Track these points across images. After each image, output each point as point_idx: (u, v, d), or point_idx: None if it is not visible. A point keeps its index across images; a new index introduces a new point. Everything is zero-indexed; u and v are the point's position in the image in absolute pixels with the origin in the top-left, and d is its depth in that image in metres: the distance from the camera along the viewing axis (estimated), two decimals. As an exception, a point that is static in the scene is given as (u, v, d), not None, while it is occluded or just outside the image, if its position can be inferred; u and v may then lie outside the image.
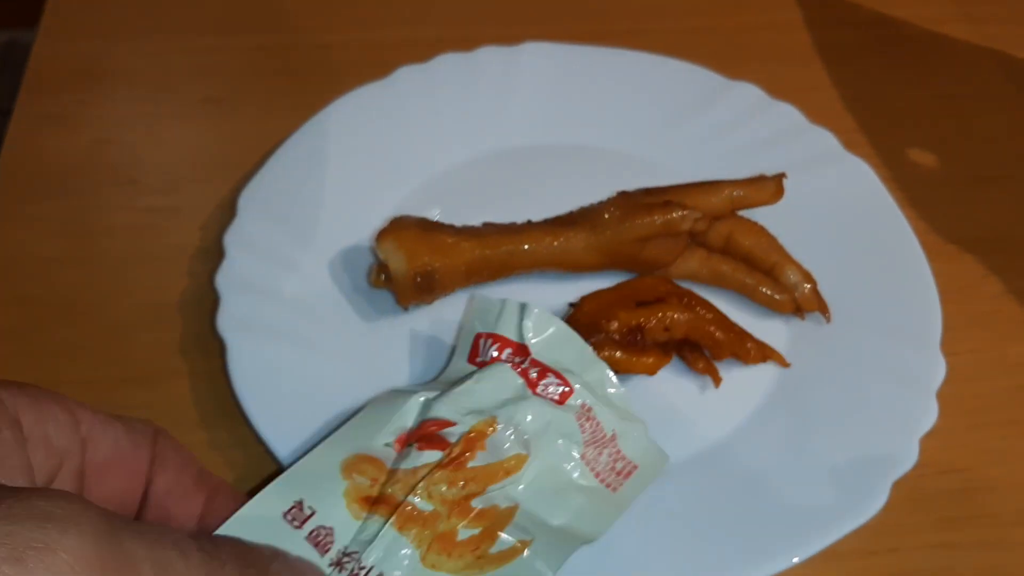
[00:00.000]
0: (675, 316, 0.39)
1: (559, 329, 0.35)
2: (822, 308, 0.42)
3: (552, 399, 0.33)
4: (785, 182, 0.43)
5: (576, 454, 0.33)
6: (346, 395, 0.38)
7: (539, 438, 0.32)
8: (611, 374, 0.35)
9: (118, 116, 0.53)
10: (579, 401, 0.33)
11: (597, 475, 0.33)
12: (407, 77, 0.50)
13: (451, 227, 0.42)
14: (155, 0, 0.59)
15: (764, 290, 0.42)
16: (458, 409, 0.31)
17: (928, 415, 0.38)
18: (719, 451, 0.38)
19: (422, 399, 0.32)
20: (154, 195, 0.49)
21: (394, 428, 0.31)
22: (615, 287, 0.41)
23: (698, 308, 0.40)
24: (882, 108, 0.54)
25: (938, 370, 0.39)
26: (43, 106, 0.53)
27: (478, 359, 0.35)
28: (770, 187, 0.42)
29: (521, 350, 0.35)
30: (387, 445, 0.31)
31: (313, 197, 0.45)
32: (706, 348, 0.40)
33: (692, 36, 0.58)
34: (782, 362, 0.40)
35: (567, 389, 0.34)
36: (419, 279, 0.40)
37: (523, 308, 0.35)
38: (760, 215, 0.44)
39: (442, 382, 0.34)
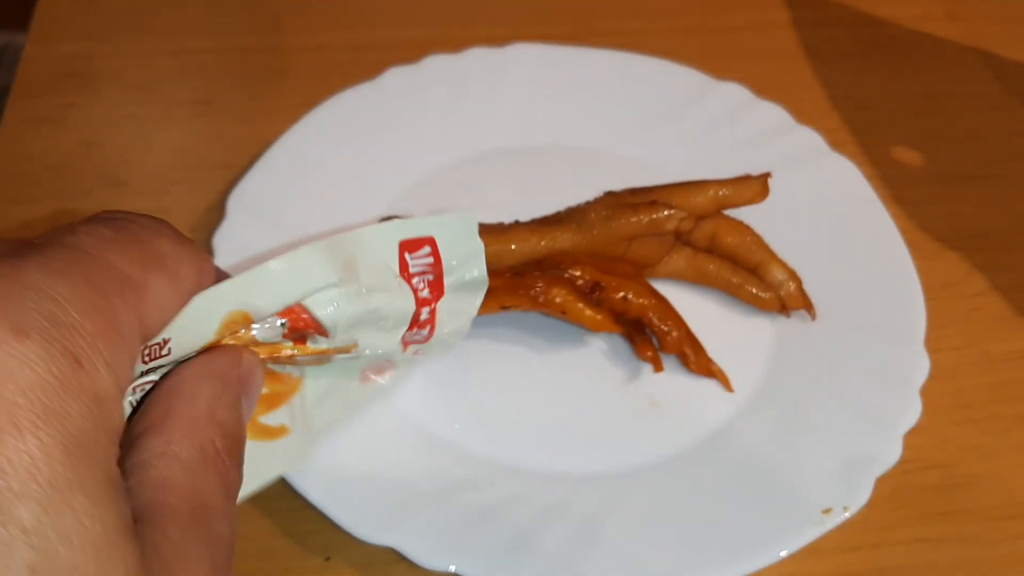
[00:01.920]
0: (636, 295, 0.40)
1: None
2: (807, 306, 0.42)
3: (417, 340, 0.31)
4: (770, 181, 0.44)
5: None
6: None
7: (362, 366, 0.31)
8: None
9: (107, 118, 0.53)
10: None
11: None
12: (395, 78, 0.51)
13: (438, 227, 0.42)
14: (144, 2, 0.59)
15: (749, 288, 0.42)
16: (347, 322, 0.28)
17: (911, 412, 0.38)
18: (703, 448, 0.39)
19: (334, 293, 0.27)
20: (143, 197, 0.49)
21: (287, 300, 0.27)
22: (595, 255, 0.42)
23: (662, 303, 0.41)
24: (867, 107, 0.55)
25: (922, 367, 0.40)
26: (32, 109, 0.53)
27: (409, 272, 0.30)
28: (755, 186, 0.43)
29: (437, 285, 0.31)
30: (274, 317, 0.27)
31: (302, 198, 0.46)
32: (656, 336, 0.41)
33: (679, 36, 0.58)
34: (727, 385, 0.41)
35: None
36: (407, 279, 0.40)
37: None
38: (746, 214, 0.44)
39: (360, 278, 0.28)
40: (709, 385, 0.41)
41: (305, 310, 0.27)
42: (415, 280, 0.30)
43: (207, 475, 0.23)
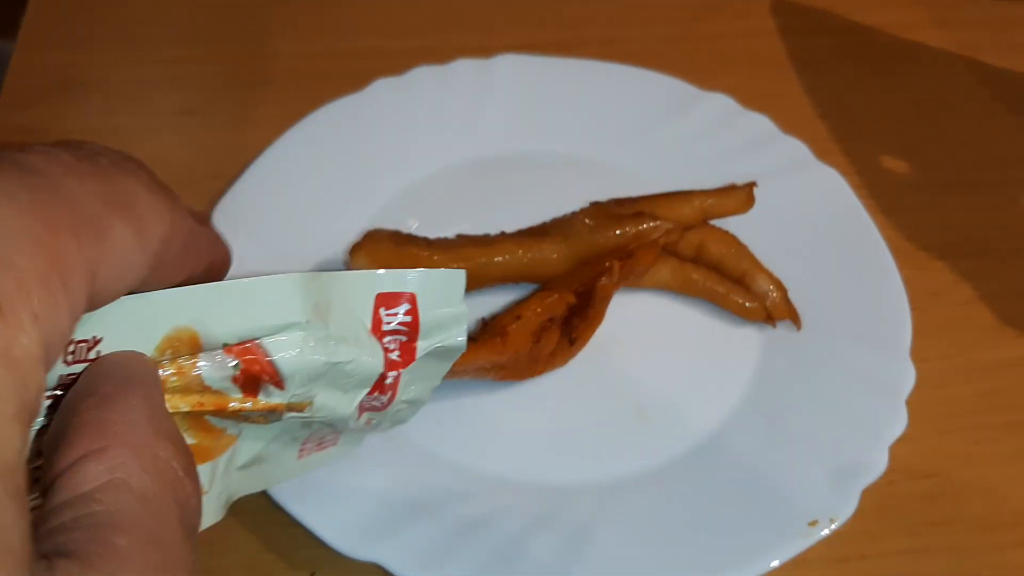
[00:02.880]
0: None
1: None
2: (792, 316, 0.42)
3: (375, 407, 0.29)
4: (756, 191, 0.44)
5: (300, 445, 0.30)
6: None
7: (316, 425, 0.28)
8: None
9: (94, 128, 0.53)
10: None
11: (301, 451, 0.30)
12: (383, 89, 0.51)
13: (424, 240, 0.42)
14: (131, 12, 0.59)
15: (735, 298, 0.42)
16: (307, 374, 0.25)
17: (898, 422, 0.38)
18: (689, 458, 0.39)
19: (298, 336, 0.24)
20: (129, 208, 0.49)
21: (244, 331, 0.24)
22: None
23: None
24: (854, 116, 0.55)
25: (908, 377, 0.40)
26: (19, 119, 0.53)
27: (382, 329, 0.27)
28: (741, 196, 0.43)
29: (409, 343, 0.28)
30: (225, 345, 0.24)
31: (288, 210, 0.46)
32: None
33: (665, 45, 0.58)
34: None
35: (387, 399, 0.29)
36: (393, 291, 0.40)
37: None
38: (732, 224, 0.44)
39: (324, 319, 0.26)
40: (696, 395, 0.41)
41: (263, 351, 0.24)
42: (387, 340, 0.27)
43: (165, 504, 0.19)
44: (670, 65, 0.53)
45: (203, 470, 0.25)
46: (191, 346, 0.23)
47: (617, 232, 0.41)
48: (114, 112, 0.54)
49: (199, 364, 0.23)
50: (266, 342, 0.24)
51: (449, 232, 0.43)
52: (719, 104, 0.50)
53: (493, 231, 0.43)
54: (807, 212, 0.46)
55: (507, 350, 0.38)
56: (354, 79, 0.51)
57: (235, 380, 0.24)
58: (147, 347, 0.23)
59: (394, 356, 0.27)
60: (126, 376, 0.20)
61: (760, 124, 0.49)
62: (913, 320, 0.42)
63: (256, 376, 0.24)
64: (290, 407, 0.25)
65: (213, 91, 0.55)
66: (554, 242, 0.42)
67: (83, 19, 0.59)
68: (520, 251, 0.42)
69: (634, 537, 0.36)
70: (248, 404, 0.24)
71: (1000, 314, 0.46)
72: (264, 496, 0.35)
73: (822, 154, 0.49)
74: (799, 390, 0.40)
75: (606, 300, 0.40)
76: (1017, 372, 0.44)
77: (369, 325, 0.26)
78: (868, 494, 0.36)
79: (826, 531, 0.35)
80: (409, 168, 0.49)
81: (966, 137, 0.54)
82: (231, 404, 0.24)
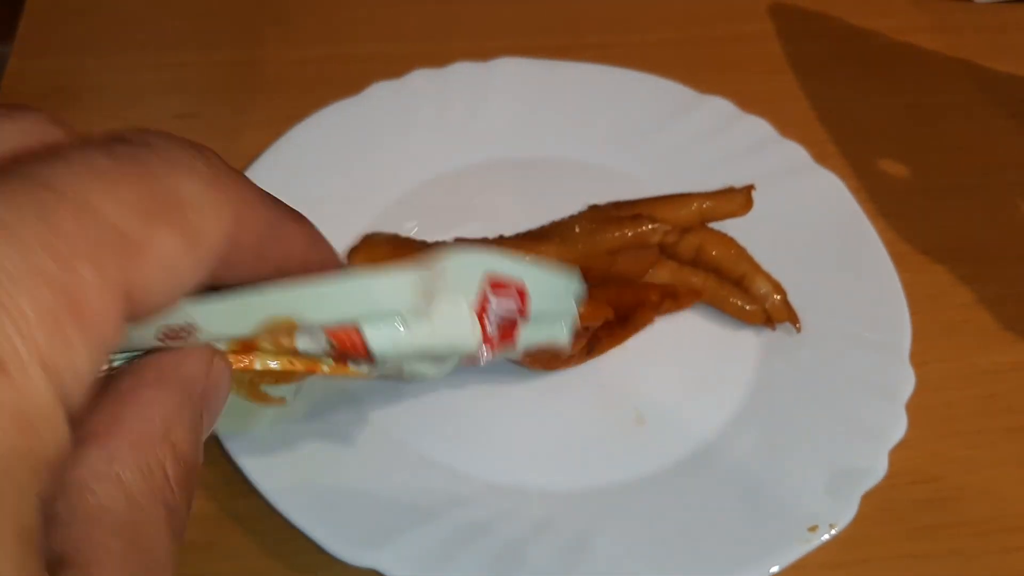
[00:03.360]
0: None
1: None
2: (792, 318, 0.42)
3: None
4: (755, 194, 0.43)
5: None
6: (317, 415, 0.38)
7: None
8: None
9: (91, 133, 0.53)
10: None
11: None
12: (380, 93, 0.50)
13: (423, 244, 0.42)
14: (128, 16, 0.59)
15: (734, 301, 0.42)
16: (400, 357, 0.25)
17: (897, 426, 0.38)
18: (688, 464, 0.39)
19: (398, 326, 0.25)
20: (127, 213, 0.48)
21: (345, 317, 0.24)
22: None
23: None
24: (853, 119, 0.55)
25: (907, 381, 0.40)
26: (16, 124, 0.53)
27: (486, 312, 0.27)
28: (739, 199, 0.43)
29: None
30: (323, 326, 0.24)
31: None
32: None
33: (663, 49, 0.58)
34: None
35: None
36: (391, 295, 0.40)
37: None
38: (731, 228, 0.44)
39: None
40: (695, 400, 0.41)
41: (360, 335, 0.24)
42: (488, 320, 0.26)
43: (152, 508, 0.18)
44: (669, 69, 0.53)
45: (288, 388, 0.28)
46: (288, 330, 0.23)
47: (615, 234, 0.41)
48: (111, 116, 0.53)
49: (296, 339, 0.24)
50: (364, 327, 0.24)
51: (447, 236, 0.43)
52: (718, 108, 0.50)
53: (491, 235, 0.43)
54: (806, 216, 0.46)
55: None
56: (352, 84, 0.51)
57: (328, 354, 0.25)
58: (241, 331, 0.23)
59: (491, 332, 0.27)
60: (164, 376, 0.20)
61: (759, 128, 0.49)
62: (912, 324, 0.42)
63: (348, 352, 0.24)
64: (379, 376, 0.26)
65: (210, 96, 0.55)
66: (552, 245, 0.42)
67: (80, 24, 0.58)
68: (518, 253, 0.41)
69: (633, 543, 0.36)
70: (336, 372, 0.25)
71: (999, 318, 0.45)
72: (263, 502, 0.35)
73: (821, 158, 0.49)
74: (798, 394, 0.40)
75: (639, 330, 0.41)
76: (1017, 376, 0.44)
77: (474, 302, 0.26)
78: (868, 499, 0.36)
79: (826, 536, 0.35)
80: (407, 171, 0.49)
81: (965, 141, 0.54)
82: (322, 368, 0.25)
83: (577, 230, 0.42)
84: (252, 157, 0.47)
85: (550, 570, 0.35)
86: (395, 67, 0.52)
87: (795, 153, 0.48)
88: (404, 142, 0.49)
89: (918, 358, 0.41)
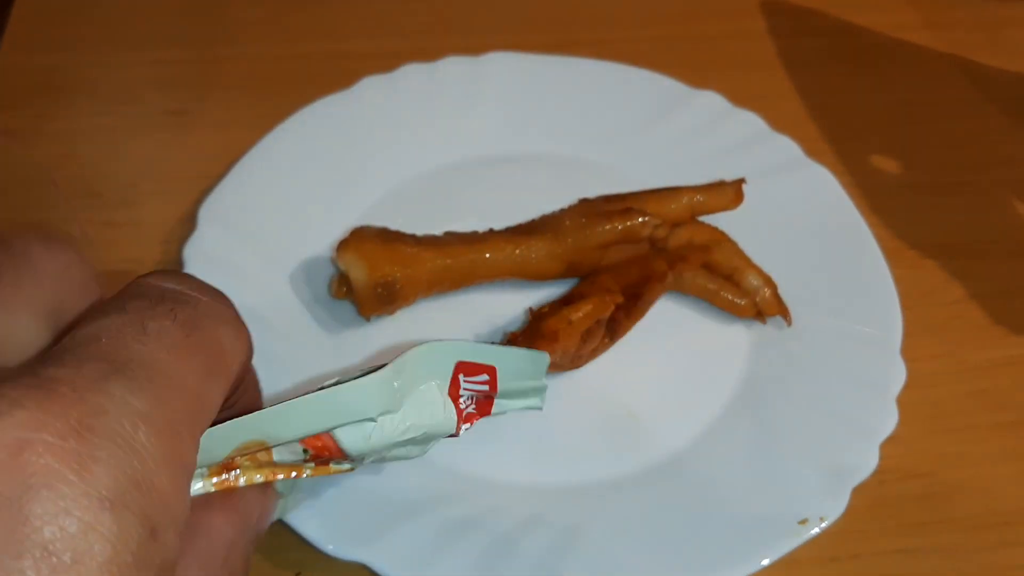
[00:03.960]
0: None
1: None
2: (783, 312, 0.42)
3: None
4: (747, 188, 0.43)
5: None
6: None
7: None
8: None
9: (81, 129, 0.52)
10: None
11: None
12: (371, 87, 0.50)
13: (412, 237, 0.42)
14: (118, 13, 0.59)
15: (725, 295, 0.42)
16: (376, 452, 0.27)
17: (888, 420, 0.38)
18: (681, 457, 0.38)
19: (370, 428, 0.27)
20: (116, 209, 0.48)
21: (318, 429, 0.26)
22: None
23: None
24: (845, 115, 0.55)
25: (898, 375, 0.40)
26: (5, 120, 0.52)
27: (459, 392, 0.29)
28: (729, 192, 0.43)
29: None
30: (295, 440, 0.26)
31: (275, 209, 0.45)
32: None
33: (655, 45, 0.58)
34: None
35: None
36: (380, 289, 0.40)
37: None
38: (724, 223, 0.44)
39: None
40: (685, 395, 0.40)
41: (333, 439, 0.26)
42: (463, 399, 0.28)
43: None
44: (661, 66, 0.53)
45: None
46: (261, 447, 0.25)
47: (606, 228, 0.41)
48: (101, 113, 0.53)
49: (272, 454, 0.26)
50: (336, 433, 0.26)
51: (437, 230, 0.43)
52: (710, 102, 0.50)
53: (481, 229, 0.43)
54: (798, 210, 0.46)
55: (557, 349, 0.38)
56: (342, 80, 0.51)
57: (307, 460, 0.26)
58: (215, 458, 0.25)
59: (468, 409, 0.29)
60: (228, 509, 0.25)
61: (751, 122, 0.49)
62: (904, 319, 0.42)
63: (326, 457, 0.26)
64: (362, 466, 0.28)
65: (200, 92, 0.55)
66: (543, 239, 0.42)
67: (69, 20, 0.58)
68: (509, 248, 0.41)
69: (623, 537, 0.36)
70: (320, 472, 0.27)
71: (991, 314, 0.45)
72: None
73: (813, 154, 0.49)
74: (789, 388, 0.40)
75: (653, 302, 0.41)
76: (1007, 372, 0.43)
77: (447, 387, 0.28)
78: (859, 493, 0.36)
79: (816, 530, 0.35)
80: (397, 166, 0.48)
81: (957, 138, 0.54)
82: (305, 473, 0.27)
83: (567, 224, 0.42)
84: (242, 153, 0.47)
85: (540, 565, 0.34)
86: (386, 65, 0.52)
87: (787, 148, 0.48)
88: (394, 136, 0.49)
89: (909, 354, 0.40)
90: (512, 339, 0.39)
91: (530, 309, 0.41)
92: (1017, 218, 0.50)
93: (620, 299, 0.40)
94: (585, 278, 0.41)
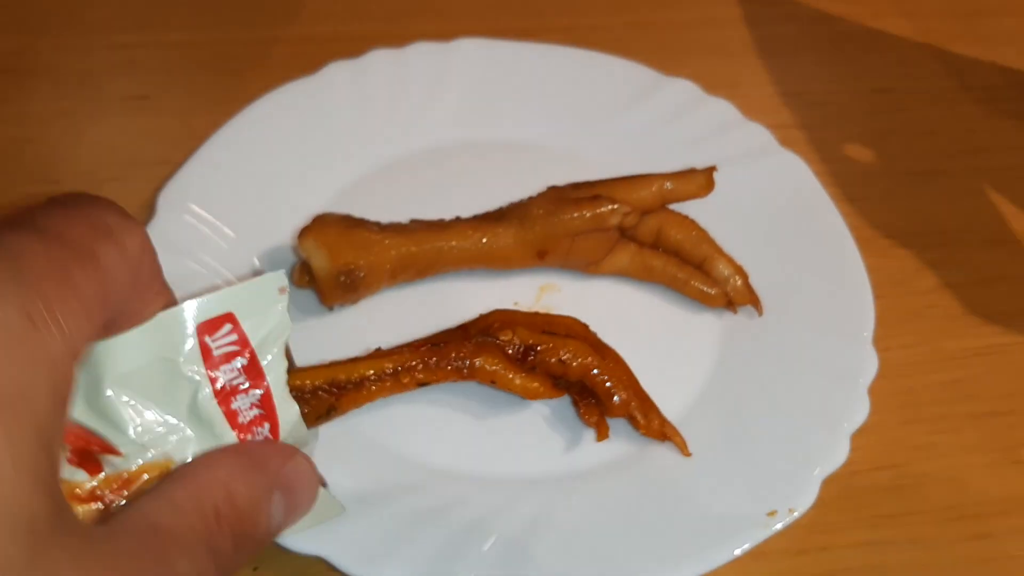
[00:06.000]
0: (574, 355, 0.37)
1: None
2: (754, 302, 0.41)
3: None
4: (719, 177, 0.43)
5: None
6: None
7: None
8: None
9: (40, 114, 0.51)
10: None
11: None
12: (337, 73, 0.49)
13: (376, 224, 0.41)
14: (80, -5, 0.58)
15: (696, 284, 0.41)
16: (137, 432, 0.26)
17: (859, 411, 0.38)
18: (650, 447, 0.38)
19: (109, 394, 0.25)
20: (74, 195, 0.47)
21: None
22: (532, 313, 0.39)
23: (608, 361, 0.37)
24: (819, 103, 0.54)
25: (870, 365, 0.39)
26: (-38, 104, 0.51)
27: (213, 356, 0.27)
28: (700, 180, 0.42)
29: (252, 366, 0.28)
30: None
31: (237, 196, 0.44)
32: (600, 399, 0.38)
33: (629, 32, 0.57)
34: (683, 449, 0.37)
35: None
36: (343, 278, 0.39)
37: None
38: (695, 211, 0.43)
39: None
40: (656, 384, 0.39)
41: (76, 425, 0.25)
42: (224, 368, 0.26)
43: (196, 531, 0.22)
44: (634, 52, 0.52)
45: None
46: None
47: (574, 215, 0.40)
48: (63, 97, 0.52)
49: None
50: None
51: (403, 217, 0.42)
52: (682, 89, 0.49)
53: (448, 216, 0.42)
54: (770, 198, 0.45)
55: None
56: (308, 65, 0.50)
57: (70, 462, 0.25)
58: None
59: (239, 382, 0.27)
60: (238, 450, 0.26)
61: (724, 110, 0.49)
62: (876, 308, 0.41)
63: (86, 451, 0.25)
64: (154, 467, 0.26)
65: (163, 77, 0.54)
66: (510, 226, 0.41)
67: (32, 4, 0.57)
68: (476, 235, 0.41)
69: (591, 527, 0.35)
70: (99, 484, 0.25)
71: (964, 303, 0.45)
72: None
73: (786, 142, 0.48)
74: (760, 378, 0.39)
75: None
76: (980, 362, 0.43)
77: (199, 360, 0.26)
78: (829, 485, 0.36)
79: (785, 521, 0.34)
80: (364, 153, 0.48)
81: (931, 126, 0.54)
82: (85, 486, 0.25)
83: (535, 211, 0.41)
84: (203, 139, 0.46)
85: (503, 556, 0.34)
86: (354, 47, 0.51)
87: (760, 135, 0.48)
88: (361, 123, 0.48)
89: (881, 343, 0.40)
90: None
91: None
92: (991, 207, 0.49)
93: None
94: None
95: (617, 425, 0.38)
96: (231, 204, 0.44)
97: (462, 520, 0.35)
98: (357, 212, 0.42)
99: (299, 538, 0.33)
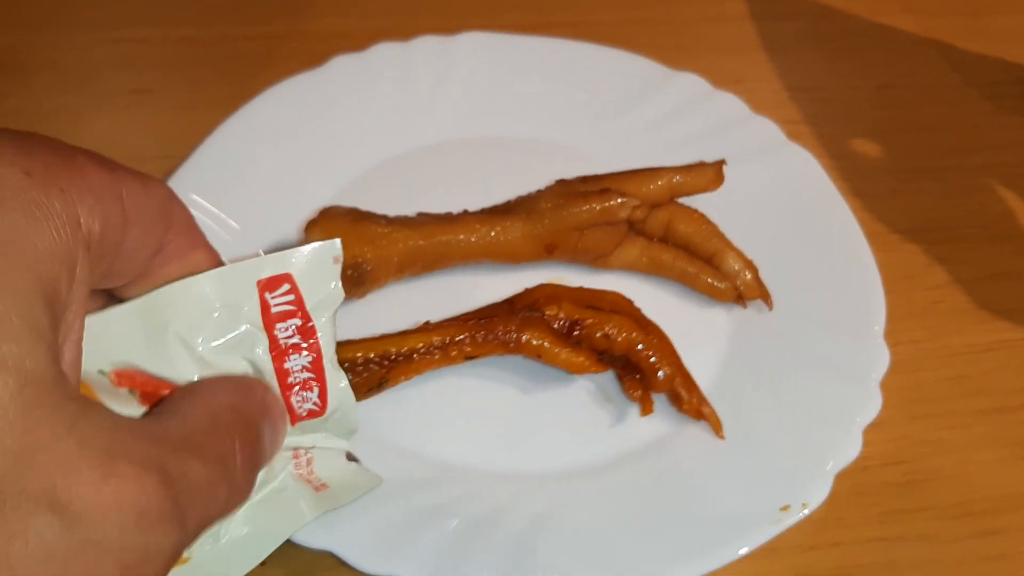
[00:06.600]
0: (619, 330, 0.37)
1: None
2: (764, 296, 0.41)
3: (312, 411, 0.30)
4: (728, 171, 0.42)
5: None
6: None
7: None
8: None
9: (41, 110, 0.51)
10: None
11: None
12: (342, 67, 0.49)
13: (383, 217, 0.40)
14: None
15: (705, 278, 0.41)
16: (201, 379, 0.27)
17: (871, 406, 0.37)
18: (661, 443, 0.37)
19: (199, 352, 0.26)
20: (77, 189, 0.47)
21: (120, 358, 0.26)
22: (578, 288, 0.39)
23: (652, 336, 0.38)
24: (826, 99, 0.54)
25: (882, 360, 0.39)
26: (-36, 99, 0.51)
27: (272, 313, 0.28)
28: (709, 173, 0.42)
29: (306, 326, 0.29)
30: (101, 373, 0.26)
31: (241, 190, 0.44)
32: (644, 374, 0.38)
33: (635, 28, 0.57)
34: (718, 431, 0.37)
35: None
36: (350, 271, 0.39)
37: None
38: (704, 205, 0.43)
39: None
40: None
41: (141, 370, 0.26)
42: (279, 326, 0.27)
43: (207, 435, 0.23)
44: (641, 48, 0.52)
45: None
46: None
47: (583, 209, 0.40)
48: (63, 92, 0.52)
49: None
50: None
51: (410, 211, 0.42)
52: (690, 84, 0.49)
53: (456, 210, 0.42)
54: (779, 193, 0.45)
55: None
56: (313, 60, 0.49)
57: (141, 403, 0.26)
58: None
59: (294, 340, 0.28)
60: (225, 380, 0.27)
61: (731, 104, 0.48)
62: (886, 303, 0.41)
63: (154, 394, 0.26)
64: None
65: (165, 71, 0.53)
66: (518, 220, 0.40)
67: (32, 0, 0.57)
68: (484, 229, 0.40)
69: (601, 524, 0.34)
70: None
71: (974, 298, 0.45)
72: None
73: (793, 137, 0.48)
74: (770, 372, 0.39)
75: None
76: (989, 357, 0.43)
77: (260, 314, 0.27)
78: (841, 480, 0.35)
79: (798, 516, 0.34)
80: (370, 147, 0.47)
81: (937, 122, 0.53)
82: None
83: (544, 205, 0.41)
84: (207, 133, 0.46)
85: (510, 553, 0.33)
86: (358, 42, 0.50)
87: (768, 130, 0.47)
88: (366, 116, 0.48)
89: (891, 338, 0.40)
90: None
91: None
92: (999, 202, 0.49)
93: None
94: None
95: (624, 422, 0.38)
96: (236, 197, 0.43)
97: (470, 515, 0.34)
98: (364, 205, 0.42)
99: (309, 533, 0.33)
